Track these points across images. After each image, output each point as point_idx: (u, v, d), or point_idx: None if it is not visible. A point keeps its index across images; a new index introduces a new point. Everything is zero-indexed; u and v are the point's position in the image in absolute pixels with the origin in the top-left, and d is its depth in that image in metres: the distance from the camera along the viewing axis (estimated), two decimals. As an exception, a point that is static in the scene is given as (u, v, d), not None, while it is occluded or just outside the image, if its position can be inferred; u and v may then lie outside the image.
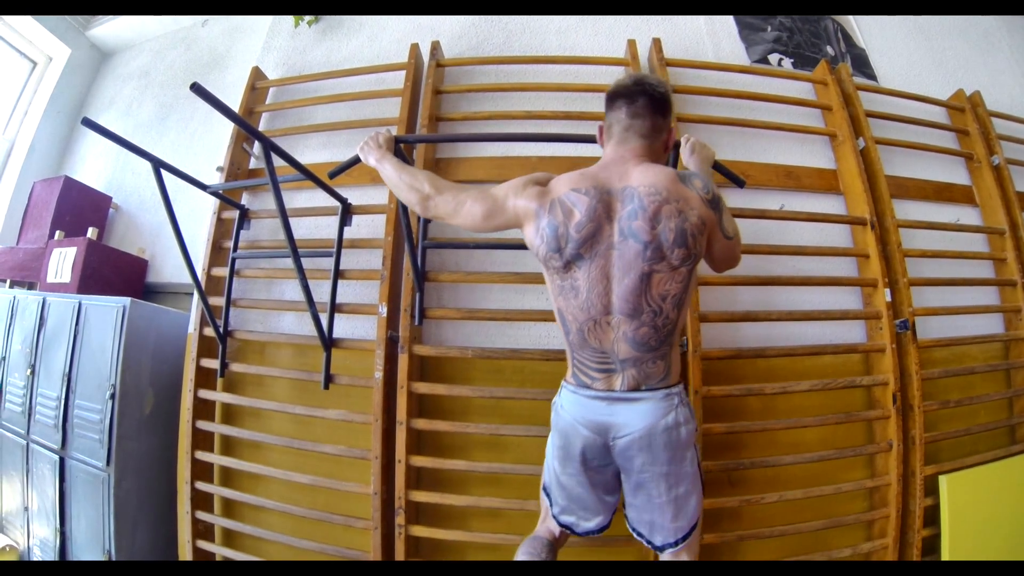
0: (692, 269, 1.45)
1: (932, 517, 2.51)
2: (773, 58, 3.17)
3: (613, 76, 2.90)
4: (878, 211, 2.73)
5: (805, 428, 2.48)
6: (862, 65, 3.32)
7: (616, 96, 1.53)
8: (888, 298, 2.59)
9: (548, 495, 1.67)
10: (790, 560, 2.38)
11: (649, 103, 1.50)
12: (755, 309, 2.57)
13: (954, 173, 3.14)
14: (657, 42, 2.90)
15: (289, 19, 3.28)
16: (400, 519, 2.36)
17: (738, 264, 1.66)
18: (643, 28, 3.05)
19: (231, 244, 2.80)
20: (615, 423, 1.44)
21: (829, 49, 3.31)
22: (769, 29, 3.25)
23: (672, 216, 1.39)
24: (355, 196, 2.68)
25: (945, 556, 2.47)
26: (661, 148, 1.57)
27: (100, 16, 4.62)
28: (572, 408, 1.50)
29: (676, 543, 1.52)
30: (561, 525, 1.65)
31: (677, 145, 1.90)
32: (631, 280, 1.39)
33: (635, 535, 1.60)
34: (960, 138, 3.19)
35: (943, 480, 2.50)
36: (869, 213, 2.69)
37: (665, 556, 1.58)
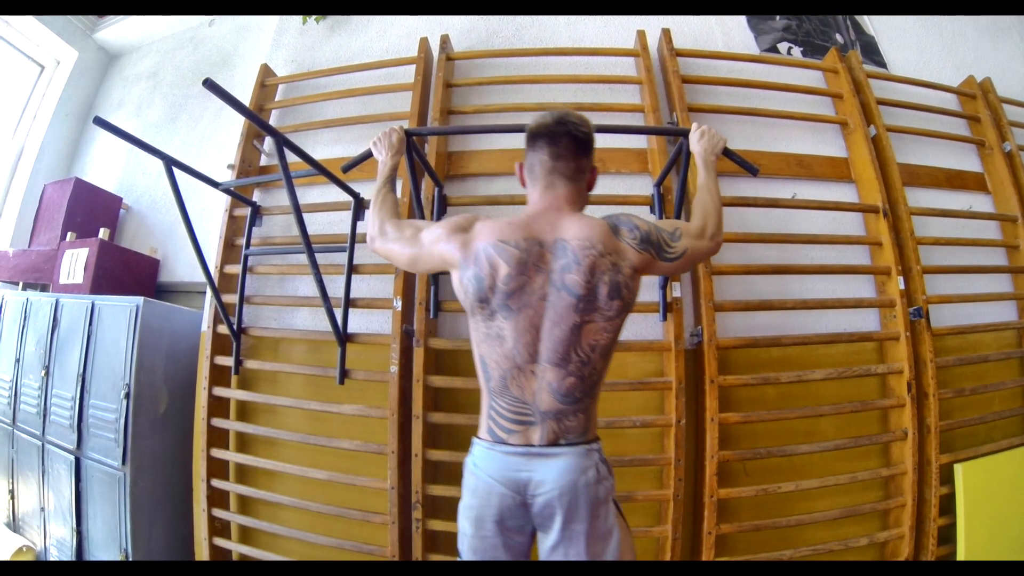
0: (624, 318, 1.44)
1: (948, 506, 2.50)
2: (783, 47, 3.16)
3: (624, 67, 2.94)
4: (890, 199, 2.72)
5: (820, 417, 2.48)
6: (872, 52, 3.30)
7: (537, 136, 1.49)
8: (902, 286, 2.59)
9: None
10: (807, 548, 2.38)
11: (572, 144, 1.47)
12: (769, 298, 2.56)
13: (966, 160, 3.12)
14: (667, 32, 2.90)
15: (297, 16, 3.29)
16: (417, 513, 2.36)
17: (712, 254, 1.61)
18: (653, 19, 3.04)
19: (243, 241, 2.81)
20: (533, 479, 1.37)
21: (838, 37, 3.30)
22: (778, 18, 3.24)
23: (606, 270, 1.38)
24: (368, 190, 2.66)
25: (960, 545, 2.46)
26: (585, 188, 1.54)
27: (107, 18, 4.64)
28: (487, 465, 1.42)
29: None
30: None
31: (685, 133, 1.89)
32: (562, 331, 1.37)
33: None
34: (971, 125, 3.18)
35: (958, 468, 2.50)
36: (881, 201, 2.68)
37: None
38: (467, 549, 1.51)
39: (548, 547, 1.43)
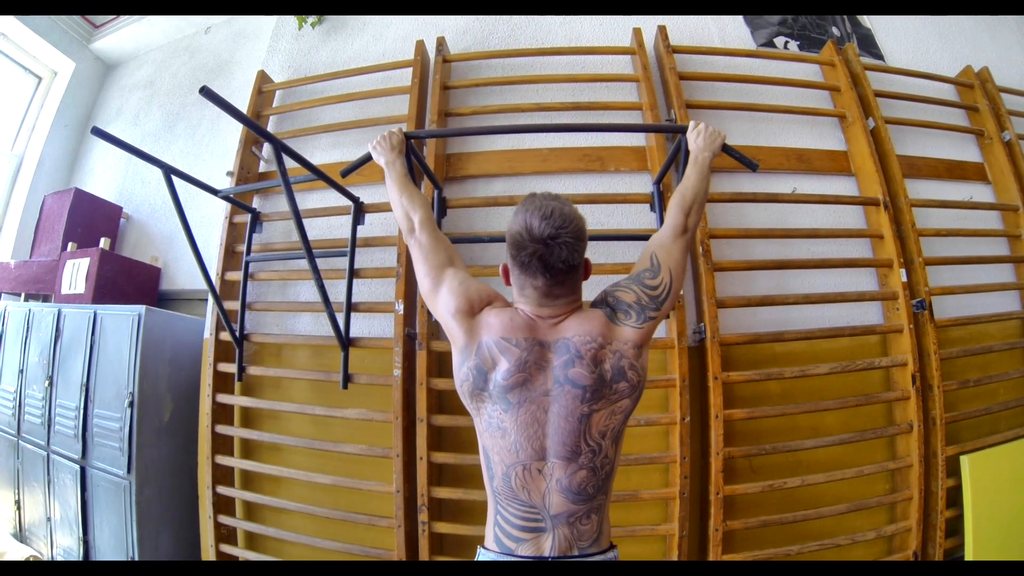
0: (635, 398, 1.37)
1: (954, 498, 2.49)
2: (779, 41, 3.16)
3: (621, 65, 2.94)
4: (891, 191, 2.71)
5: (825, 412, 2.47)
6: (869, 45, 3.29)
7: (532, 255, 1.29)
8: (904, 278, 2.58)
9: None
10: (814, 543, 2.38)
11: (570, 255, 1.31)
12: (771, 293, 2.56)
13: (965, 150, 3.11)
14: (663, 29, 2.89)
15: (293, 21, 3.30)
16: (423, 516, 2.36)
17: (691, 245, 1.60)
18: (649, 16, 3.03)
19: (244, 248, 2.81)
20: None
21: (835, 30, 3.29)
22: (774, 12, 3.24)
23: (608, 358, 1.33)
24: (367, 194, 2.69)
25: (968, 537, 2.45)
26: (582, 282, 1.43)
27: (103, 28, 4.65)
28: None
29: None
30: None
31: (683, 130, 1.87)
32: (569, 423, 1.31)
33: None
34: (970, 115, 3.16)
35: (965, 460, 2.49)
36: (882, 193, 2.67)
37: None
38: None
39: None
